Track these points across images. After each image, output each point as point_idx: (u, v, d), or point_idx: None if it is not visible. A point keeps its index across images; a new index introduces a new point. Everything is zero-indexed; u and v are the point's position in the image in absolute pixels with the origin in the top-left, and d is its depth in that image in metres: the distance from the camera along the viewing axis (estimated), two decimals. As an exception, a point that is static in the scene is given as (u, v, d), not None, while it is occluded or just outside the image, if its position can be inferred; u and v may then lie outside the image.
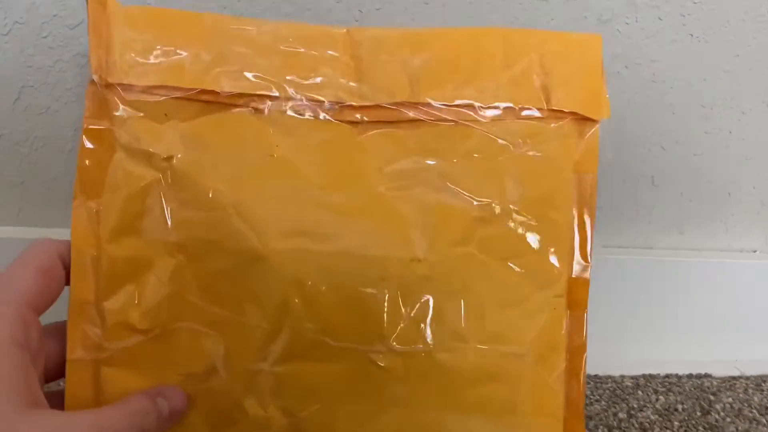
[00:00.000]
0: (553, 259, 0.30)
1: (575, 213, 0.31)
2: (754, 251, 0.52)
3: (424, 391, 0.29)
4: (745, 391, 0.51)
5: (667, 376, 0.51)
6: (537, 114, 0.30)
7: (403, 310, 0.29)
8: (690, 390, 0.50)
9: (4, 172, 0.39)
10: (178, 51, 0.28)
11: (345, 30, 0.30)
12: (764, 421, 0.48)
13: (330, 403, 0.29)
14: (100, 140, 0.27)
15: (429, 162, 0.30)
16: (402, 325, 0.29)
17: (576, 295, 0.31)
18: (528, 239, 0.30)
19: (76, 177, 0.27)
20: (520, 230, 0.30)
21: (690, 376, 0.52)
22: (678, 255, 0.49)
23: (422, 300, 0.29)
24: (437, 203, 0.29)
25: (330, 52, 0.30)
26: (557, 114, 0.30)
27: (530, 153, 0.30)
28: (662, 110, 0.42)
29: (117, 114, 0.28)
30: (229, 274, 0.28)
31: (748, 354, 0.53)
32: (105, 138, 0.28)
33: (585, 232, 0.31)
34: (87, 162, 0.27)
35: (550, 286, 0.30)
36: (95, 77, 0.27)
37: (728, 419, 0.47)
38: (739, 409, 0.49)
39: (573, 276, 0.31)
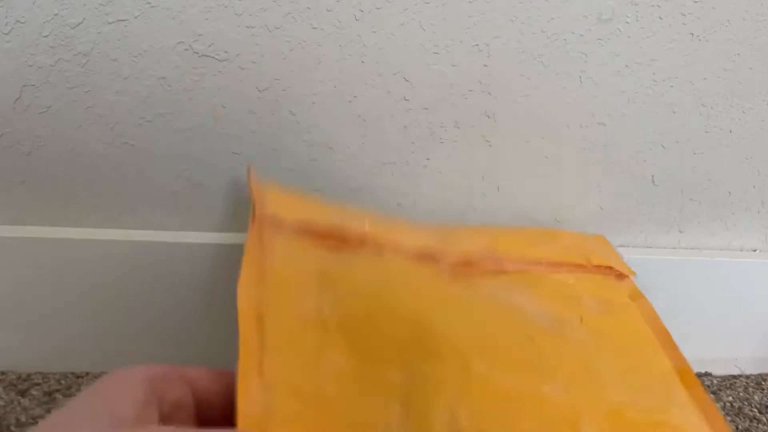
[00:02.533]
0: (653, 355, 0.37)
1: (649, 330, 0.39)
2: (754, 250, 0.52)
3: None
4: (746, 389, 0.51)
5: (668, 375, 0.51)
6: (583, 270, 0.41)
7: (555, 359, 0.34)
8: (690, 389, 0.50)
9: (4, 171, 0.39)
10: (313, 210, 0.36)
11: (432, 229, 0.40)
12: (764, 419, 0.48)
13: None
14: (261, 242, 0.33)
15: (514, 290, 0.38)
16: (562, 369, 0.34)
17: (685, 374, 0.36)
18: (619, 339, 0.37)
19: (241, 272, 0.29)
20: (604, 332, 0.37)
21: (690, 375, 0.52)
22: (678, 254, 0.49)
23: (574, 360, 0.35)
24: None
25: (412, 239, 0.38)
26: (598, 268, 0.41)
27: (589, 288, 0.40)
28: (662, 109, 0.43)
29: (274, 235, 0.34)
30: (396, 347, 0.31)
31: (749, 353, 0.53)
32: (266, 242, 0.33)
33: (665, 337, 0.39)
34: (250, 258, 0.31)
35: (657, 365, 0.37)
36: (257, 212, 0.34)
37: (728, 418, 0.47)
38: (740, 408, 0.49)
39: (679, 367, 0.36)
